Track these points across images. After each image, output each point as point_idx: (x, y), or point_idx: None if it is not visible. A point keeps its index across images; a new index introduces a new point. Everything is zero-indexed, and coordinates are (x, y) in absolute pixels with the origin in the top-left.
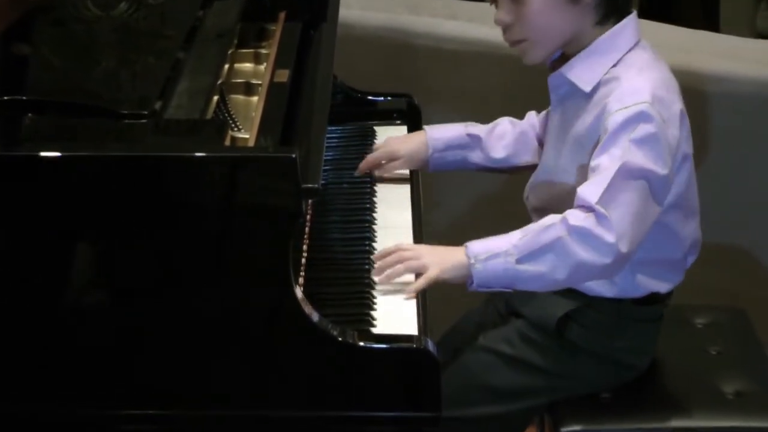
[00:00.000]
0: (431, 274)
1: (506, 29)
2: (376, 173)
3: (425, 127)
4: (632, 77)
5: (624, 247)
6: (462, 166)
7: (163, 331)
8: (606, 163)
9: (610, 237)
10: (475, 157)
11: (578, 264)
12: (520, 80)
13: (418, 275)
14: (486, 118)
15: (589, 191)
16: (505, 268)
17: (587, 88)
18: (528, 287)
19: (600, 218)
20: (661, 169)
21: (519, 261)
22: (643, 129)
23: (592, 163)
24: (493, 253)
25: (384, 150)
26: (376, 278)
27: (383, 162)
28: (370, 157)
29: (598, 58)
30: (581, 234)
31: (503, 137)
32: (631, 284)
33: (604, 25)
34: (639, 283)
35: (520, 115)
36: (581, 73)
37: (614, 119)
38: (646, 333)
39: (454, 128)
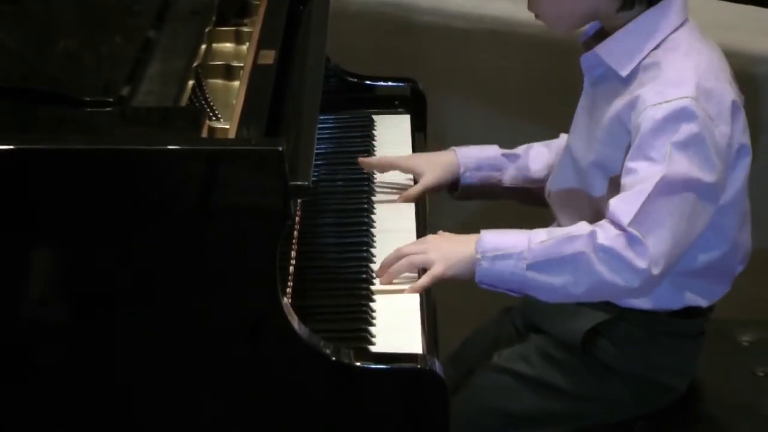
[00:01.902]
0: (436, 270)
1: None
2: (399, 198)
3: (455, 148)
4: (675, 64)
5: (657, 270)
6: (494, 189)
7: (132, 348)
8: (643, 172)
9: (641, 263)
10: (509, 178)
11: (600, 283)
12: (539, 62)
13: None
14: (501, 105)
15: (622, 208)
16: (513, 272)
17: (624, 73)
18: (537, 296)
19: (632, 241)
20: (709, 176)
21: (530, 268)
22: (686, 130)
23: (628, 165)
24: (504, 253)
25: (405, 164)
26: (378, 280)
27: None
28: (385, 161)
29: (638, 38)
30: (608, 254)
31: (539, 156)
32: (671, 295)
33: (632, 9)
34: (678, 295)
35: (542, 104)
36: (618, 54)
37: (652, 115)
38: (684, 351)
39: (488, 148)
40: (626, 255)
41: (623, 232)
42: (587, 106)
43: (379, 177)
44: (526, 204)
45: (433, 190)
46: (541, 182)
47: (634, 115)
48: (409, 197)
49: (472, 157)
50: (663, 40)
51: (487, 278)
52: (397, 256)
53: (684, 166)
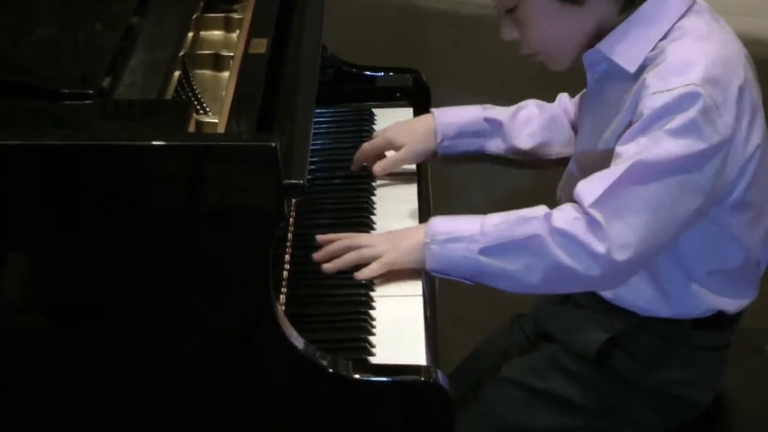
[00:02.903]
0: (386, 258)
1: (519, 43)
2: (374, 168)
3: (433, 110)
4: (682, 49)
5: (622, 256)
6: (476, 154)
7: (113, 359)
8: (625, 155)
9: (599, 247)
10: (494, 146)
11: (557, 269)
12: None
13: None
14: (511, 98)
15: (587, 188)
16: (465, 257)
17: (631, 68)
18: (492, 284)
19: (592, 224)
20: (699, 167)
21: (483, 252)
22: (684, 117)
23: (617, 149)
24: (455, 236)
25: (381, 138)
26: (324, 266)
27: (384, 153)
28: (365, 147)
29: (643, 30)
30: (565, 238)
31: (529, 123)
32: (690, 300)
33: (633, 7)
34: (699, 299)
35: (553, 96)
36: (622, 49)
37: (652, 102)
38: (709, 363)
39: (469, 111)
40: (584, 239)
41: (584, 214)
42: (593, 105)
43: (381, 176)
44: (511, 165)
45: (414, 161)
46: (527, 154)
47: (638, 104)
48: (384, 168)
49: (452, 124)
50: (670, 30)
51: (438, 264)
52: (347, 246)
53: (669, 151)
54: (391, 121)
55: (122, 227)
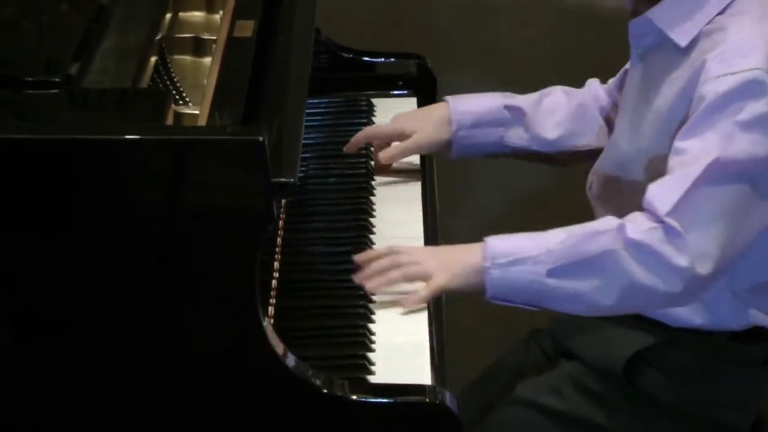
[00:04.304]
0: (438, 281)
1: None
2: (379, 156)
3: (447, 98)
4: (745, 29)
5: (705, 269)
6: (497, 150)
7: (85, 376)
8: (694, 152)
9: (681, 259)
10: (515, 137)
11: (634, 287)
12: (574, 34)
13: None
14: (526, 86)
15: (660, 195)
16: (531, 281)
17: (683, 42)
18: (561, 308)
19: (670, 234)
20: None
21: (551, 273)
22: (754, 108)
23: (678, 144)
24: (518, 257)
25: (388, 125)
26: (363, 284)
27: (385, 142)
28: (369, 129)
29: (698, 0)
30: (641, 251)
31: (555, 112)
32: (732, 312)
33: None
34: (738, 311)
35: (576, 84)
36: (675, 19)
37: (714, 88)
38: (745, 380)
39: (488, 98)
40: (663, 251)
41: (660, 223)
42: (636, 83)
43: (381, 172)
44: (536, 162)
45: (424, 151)
46: (552, 146)
47: (696, 90)
48: (392, 156)
49: (469, 112)
50: (729, 4)
51: (500, 290)
52: (390, 264)
53: (745, 149)
54: (392, 112)
55: (91, 232)
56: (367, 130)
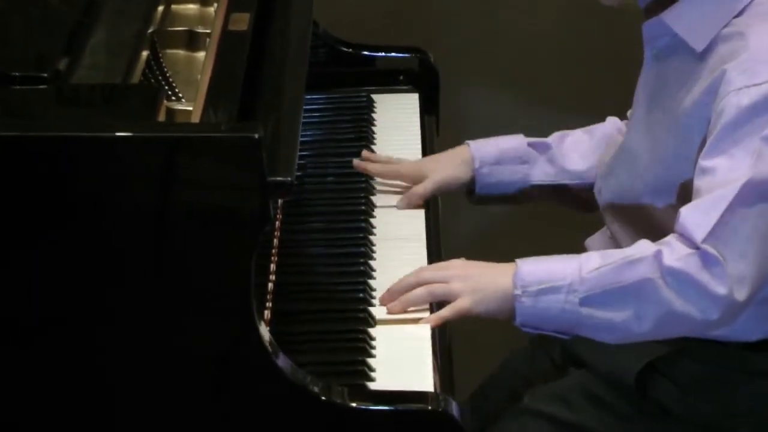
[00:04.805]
0: (463, 304)
1: None
2: (399, 206)
3: (468, 141)
4: (766, 34)
5: (742, 296)
6: (521, 188)
7: (73, 383)
8: (724, 174)
9: (720, 288)
10: (541, 172)
11: (670, 316)
12: (584, 28)
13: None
14: (533, 82)
15: (695, 220)
16: (564, 309)
17: (699, 46)
18: (593, 337)
19: (707, 261)
20: None
21: (585, 302)
22: None
23: (704, 163)
24: (551, 286)
25: (409, 164)
26: (388, 307)
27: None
28: (388, 166)
29: (715, 1)
30: (679, 279)
31: (579, 145)
32: (747, 321)
33: None
34: (757, 321)
35: (587, 83)
36: (690, 22)
37: (737, 101)
38: (762, 392)
39: (509, 138)
40: (701, 279)
41: (696, 250)
42: (650, 86)
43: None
44: (564, 206)
45: (444, 191)
46: (581, 177)
47: (716, 102)
48: (414, 199)
49: (491, 151)
50: (747, 5)
51: (531, 319)
52: (416, 282)
53: None
54: (393, 108)
55: (80, 232)
56: (385, 166)
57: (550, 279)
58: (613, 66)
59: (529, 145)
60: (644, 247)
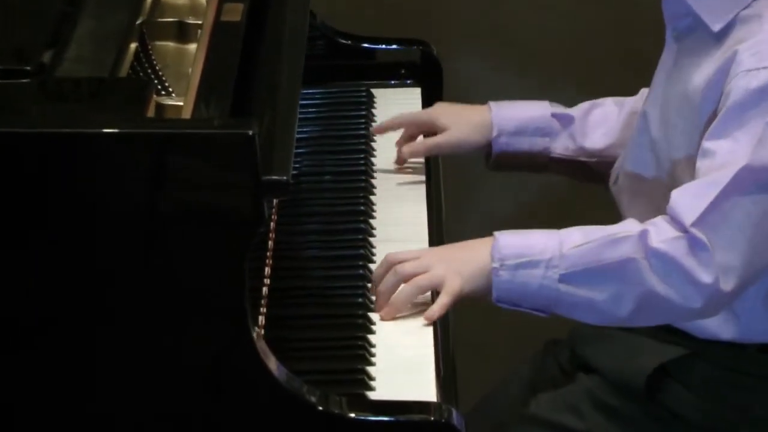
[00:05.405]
0: (453, 286)
1: None
2: (403, 150)
3: (490, 102)
4: None
5: (728, 286)
6: (538, 161)
7: (58, 391)
8: (723, 156)
9: (705, 275)
10: (562, 147)
11: (651, 300)
12: (595, 16)
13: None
14: (541, 74)
15: (686, 203)
16: (542, 285)
17: (716, 26)
18: (571, 316)
19: (695, 246)
20: None
21: (564, 279)
22: None
23: (706, 144)
24: (530, 260)
25: (428, 112)
26: (381, 314)
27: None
28: (405, 114)
29: None
30: (663, 262)
31: (605, 121)
32: (761, 322)
33: None
34: None
35: (598, 74)
36: (709, 2)
37: (747, 82)
38: None
39: (533, 106)
40: (686, 264)
41: (684, 233)
42: (668, 66)
43: (381, 170)
44: (580, 180)
45: (455, 152)
46: (599, 156)
47: (725, 82)
48: (417, 152)
49: (512, 118)
50: None
51: (507, 294)
52: (397, 280)
53: None
54: (394, 103)
55: (65, 233)
56: (402, 115)
57: (530, 252)
58: (622, 61)
59: (553, 116)
60: (629, 225)
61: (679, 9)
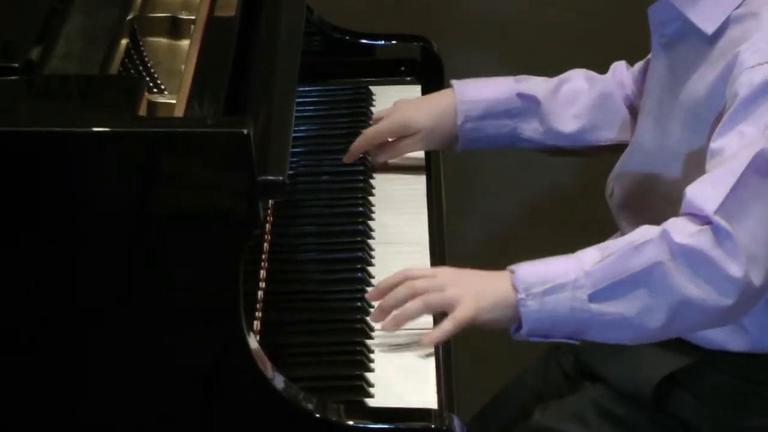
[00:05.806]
0: (464, 313)
1: None
2: (377, 158)
3: (453, 82)
4: None
5: (758, 278)
6: (508, 143)
7: (47, 399)
8: (733, 148)
9: (735, 267)
10: (529, 129)
11: (685, 304)
12: (599, 14)
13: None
14: (544, 71)
15: (705, 194)
16: (572, 308)
17: (709, 29)
18: (605, 338)
19: (720, 236)
20: None
21: (594, 298)
22: None
23: (713, 145)
24: (555, 284)
25: (391, 120)
26: (377, 325)
27: (389, 139)
28: (368, 132)
29: None
30: (692, 258)
31: (574, 101)
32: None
33: None
34: None
35: (599, 68)
36: (700, 3)
37: (750, 79)
38: None
39: (499, 85)
40: (714, 256)
41: (707, 224)
42: (661, 75)
43: (380, 171)
44: (552, 155)
45: (428, 146)
46: (571, 140)
47: (730, 85)
48: (390, 157)
49: (477, 101)
50: None
51: (539, 324)
52: (408, 294)
53: None
54: (394, 101)
55: (56, 234)
56: (366, 134)
57: (553, 277)
58: (625, 56)
59: (519, 95)
60: (647, 230)
61: (668, 15)
